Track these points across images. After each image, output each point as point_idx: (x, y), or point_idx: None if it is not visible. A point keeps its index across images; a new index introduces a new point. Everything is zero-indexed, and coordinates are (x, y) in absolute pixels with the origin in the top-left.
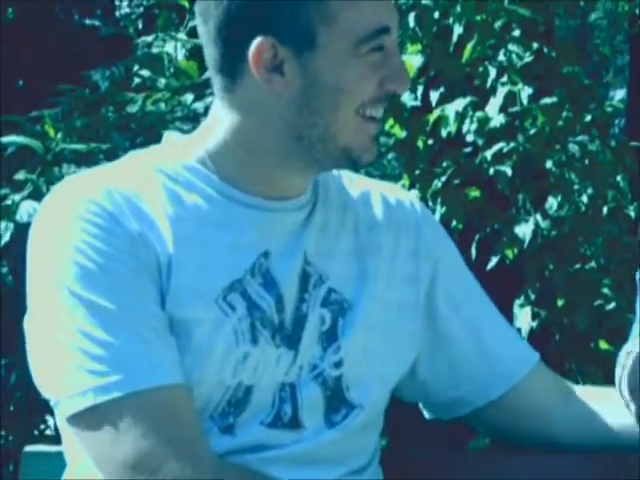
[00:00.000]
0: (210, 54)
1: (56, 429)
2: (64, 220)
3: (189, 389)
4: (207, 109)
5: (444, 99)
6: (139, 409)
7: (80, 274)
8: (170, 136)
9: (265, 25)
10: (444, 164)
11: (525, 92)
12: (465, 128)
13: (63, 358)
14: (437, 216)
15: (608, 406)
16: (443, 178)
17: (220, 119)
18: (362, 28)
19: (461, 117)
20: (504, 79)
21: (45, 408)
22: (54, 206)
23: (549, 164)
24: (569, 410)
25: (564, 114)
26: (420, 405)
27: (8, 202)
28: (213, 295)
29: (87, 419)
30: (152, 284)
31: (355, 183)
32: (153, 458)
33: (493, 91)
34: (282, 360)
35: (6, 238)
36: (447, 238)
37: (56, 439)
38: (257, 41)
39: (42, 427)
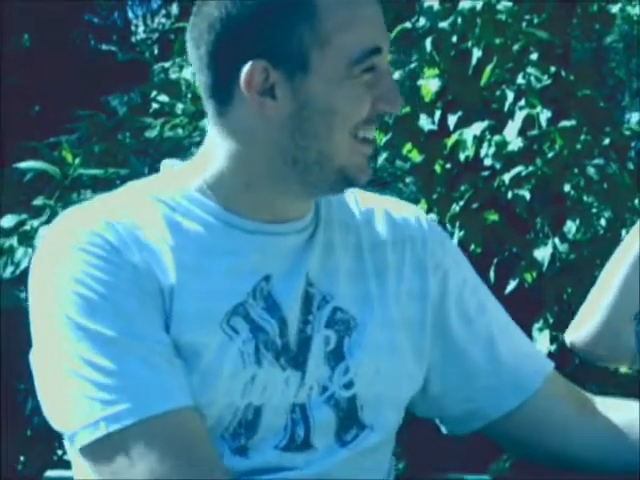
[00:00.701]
0: (202, 80)
1: None
2: (65, 252)
3: (199, 410)
4: None
5: (462, 123)
6: (152, 435)
7: (83, 305)
8: (168, 164)
9: (257, 49)
10: (462, 188)
11: (544, 115)
12: (483, 152)
13: (71, 390)
14: (455, 240)
15: (632, 419)
16: (461, 202)
17: (215, 146)
18: (355, 50)
19: (479, 141)
20: (522, 103)
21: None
22: (56, 238)
23: (567, 187)
24: (588, 421)
25: (582, 137)
26: (437, 421)
27: (26, 228)
28: (217, 320)
29: (101, 449)
30: (155, 310)
31: (358, 200)
32: None
33: (511, 115)
34: (291, 382)
35: (25, 263)
36: (456, 251)
37: None
38: (249, 65)
39: (60, 452)
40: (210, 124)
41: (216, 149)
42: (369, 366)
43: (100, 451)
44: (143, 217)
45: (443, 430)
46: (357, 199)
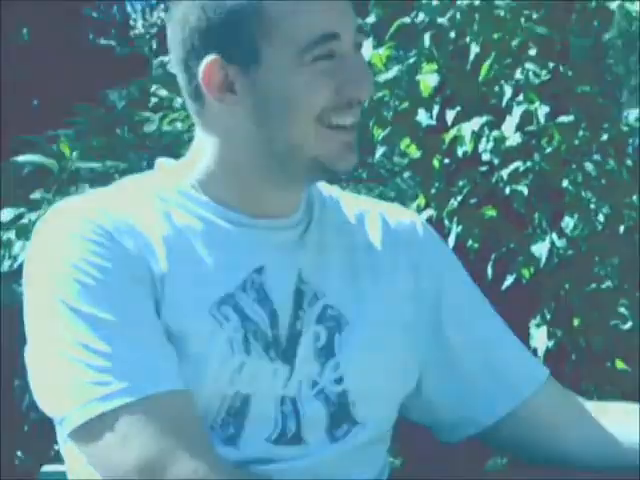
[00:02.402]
0: (180, 82)
1: None
2: (62, 239)
3: (192, 396)
4: None
5: (460, 118)
6: (146, 414)
7: (79, 290)
8: (161, 162)
9: (213, 47)
10: (460, 183)
11: (542, 110)
12: (481, 147)
13: (65, 373)
14: (453, 235)
15: (625, 424)
16: (459, 197)
17: (202, 143)
18: (303, 36)
19: (477, 136)
20: (520, 98)
21: None
22: (51, 227)
23: (565, 183)
24: (583, 428)
25: (580, 133)
26: (432, 429)
27: (24, 221)
28: (206, 306)
29: (92, 430)
30: (148, 296)
31: (353, 204)
32: (163, 459)
33: (509, 110)
34: (279, 373)
35: (22, 257)
36: (451, 255)
37: None
38: (204, 63)
39: (57, 448)
40: (195, 122)
41: (203, 145)
42: (360, 362)
43: (91, 432)
44: (136, 208)
45: (439, 438)
46: (352, 202)
